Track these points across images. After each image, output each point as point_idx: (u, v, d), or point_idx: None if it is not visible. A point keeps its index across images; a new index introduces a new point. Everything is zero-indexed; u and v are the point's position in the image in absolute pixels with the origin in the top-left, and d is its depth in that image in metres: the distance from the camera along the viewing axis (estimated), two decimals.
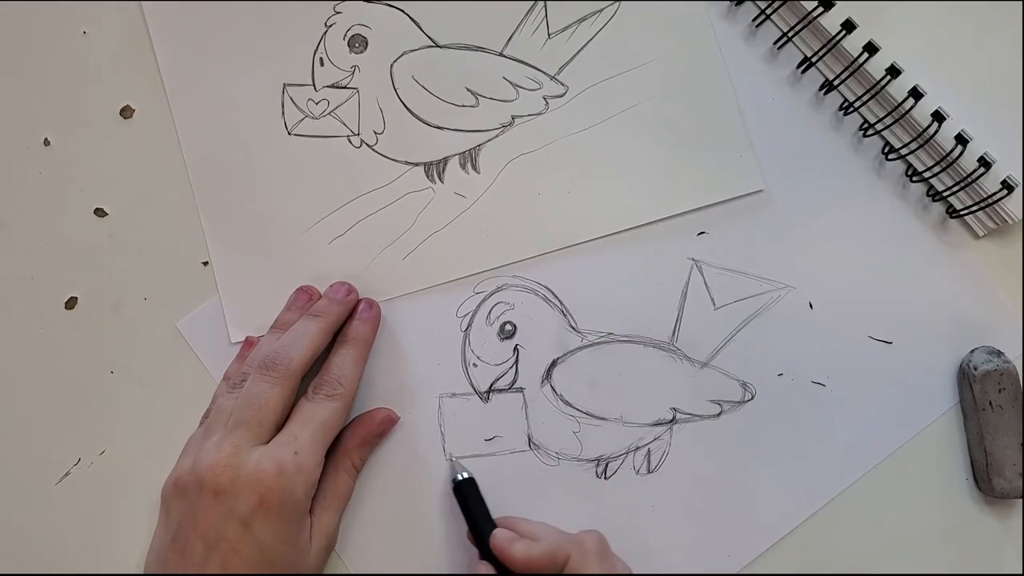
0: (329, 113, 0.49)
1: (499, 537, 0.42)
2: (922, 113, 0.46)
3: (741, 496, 0.47)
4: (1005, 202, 0.46)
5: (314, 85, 0.49)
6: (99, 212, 0.49)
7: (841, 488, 0.47)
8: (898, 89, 0.46)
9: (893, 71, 0.46)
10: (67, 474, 0.47)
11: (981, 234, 0.48)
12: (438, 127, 0.49)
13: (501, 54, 0.49)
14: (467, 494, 0.45)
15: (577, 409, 0.47)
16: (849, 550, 0.47)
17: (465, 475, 0.45)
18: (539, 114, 0.49)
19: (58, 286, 0.48)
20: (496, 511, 0.45)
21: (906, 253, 0.48)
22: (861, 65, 0.46)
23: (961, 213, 0.47)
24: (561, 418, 0.47)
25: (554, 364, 0.48)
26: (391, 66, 0.49)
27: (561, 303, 0.48)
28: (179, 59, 0.49)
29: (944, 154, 0.46)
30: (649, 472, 0.47)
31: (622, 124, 0.49)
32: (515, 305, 0.48)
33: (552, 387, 0.48)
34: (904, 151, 0.47)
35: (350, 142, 0.49)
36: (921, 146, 0.47)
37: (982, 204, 0.46)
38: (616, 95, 0.49)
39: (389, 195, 0.48)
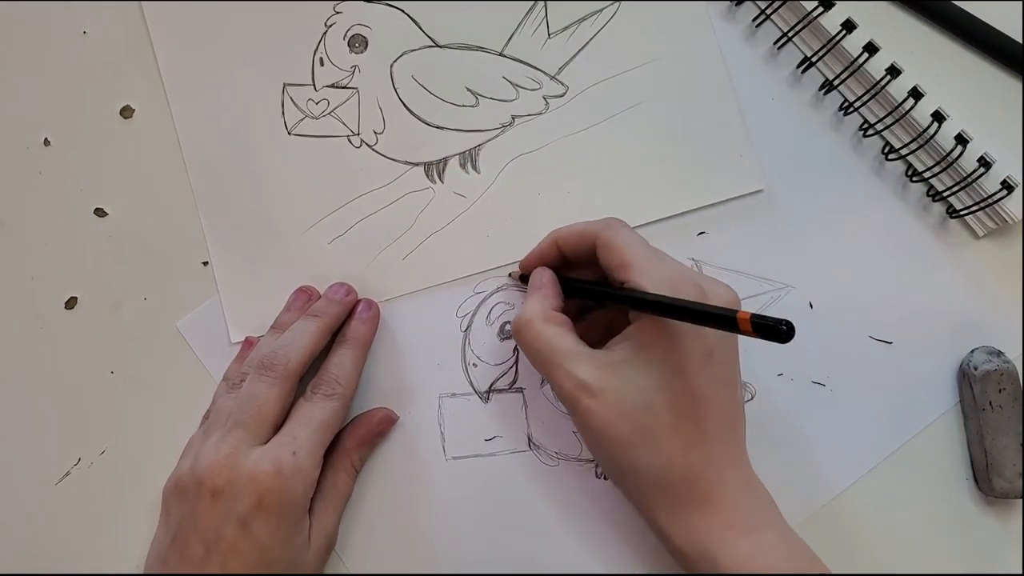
0: (329, 113, 0.49)
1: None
2: (922, 113, 0.46)
3: None
4: (1005, 202, 0.46)
5: (314, 85, 0.49)
6: (99, 212, 0.49)
7: (841, 488, 0.47)
8: (898, 89, 0.46)
9: (893, 71, 0.46)
10: (67, 474, 0.47)
11: (981, 234, 0.48)
12: (438, 127, 0.49)
13: (501, 54, 0.49)
14: None
15: None
16: (849, 550, 0.47)
17: None
18: (539, 114, 0.49)
19: (58, 286, 0.48)
20: (496, 511, 0.45)
21: (906, 253, 0.48)
22: (861, 65, 0.46)
23: (961, 213, 0.47)
24: (561, 418, 0.47)
25: None
26: (391, 66, 0.49)
27: None
28: (179, 59, 0.49)
29: (944, 154, 0.46)
30: None
31: (622, 124, 0.49)
32: (515, 305, 0.48)
33: None
34: (904, 151, 0.47)
35: (350, 142, 0.49)
36: (921, 146, 0.47)
37: (982, 204, 0.46)
38: (616, 95, 0.49)
39: (389, 195, 0.48)
